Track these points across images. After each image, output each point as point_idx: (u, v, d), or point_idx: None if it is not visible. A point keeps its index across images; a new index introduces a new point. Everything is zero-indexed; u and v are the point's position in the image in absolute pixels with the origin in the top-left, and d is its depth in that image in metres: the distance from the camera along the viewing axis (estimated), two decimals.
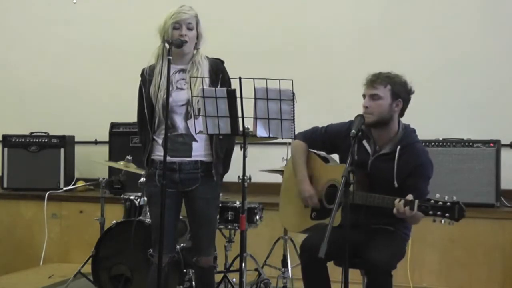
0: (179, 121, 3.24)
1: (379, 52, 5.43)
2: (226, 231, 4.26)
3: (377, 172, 3.21)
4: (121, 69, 5.82)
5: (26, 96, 6.42)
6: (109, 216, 4.57)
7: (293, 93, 2.93)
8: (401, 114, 3.27)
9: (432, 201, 2.90)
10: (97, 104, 6.14)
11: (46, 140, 5.91)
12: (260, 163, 4.33)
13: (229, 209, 4.07)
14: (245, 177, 3.18)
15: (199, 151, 3.25)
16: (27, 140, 5.91)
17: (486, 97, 5.26)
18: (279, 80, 2.88)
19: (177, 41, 3.14)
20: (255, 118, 3.00)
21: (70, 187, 5.71)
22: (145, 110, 3.28)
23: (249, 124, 3.07)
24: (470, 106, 5.29)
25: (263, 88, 2.94)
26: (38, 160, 5.86)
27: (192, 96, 3.11)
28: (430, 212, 2.90)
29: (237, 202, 4.08)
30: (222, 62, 3.34)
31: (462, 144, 4.81)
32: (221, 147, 3.28)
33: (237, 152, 3.33)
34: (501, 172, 4.75)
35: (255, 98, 2.96)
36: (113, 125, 5.73)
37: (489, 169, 4.70)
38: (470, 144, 4.78)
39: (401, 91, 3.20)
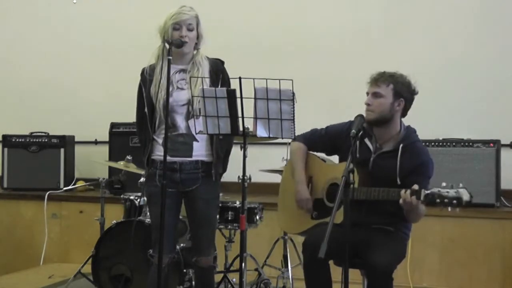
0: (180, 121, 3.24)
1: (379, 52, 5.43)
2: (226, 231, 4.26)
3: (379, 170, 3.22)
4: (121, 69, 5.81)
5: (26, 96, 6.42)
6: (109, 216, 4.57)
7: (293, 93, 2.93)
8: (404, 114, 3.28)
9: (438, 189, 2.89)
10: (97, 104, 6.14)
11: (46, 140, 5.91)
12: (260, 163, 4.33)
13: (229, 209, 4.07)
14: (245, 177, 3.18)
15: (200, 151, 3.25)
16: (27, 140, 5.91)
17: (486, 97, 5.26)
18: (279, 80, 2.88)
19: (177, 41, 3.14)
20: (255, 118, 3.00)
21: (70, 187, 5.70)
22: (145, 110, 3.28)
23: (249, 124, 3.07)
24: (470, 106, 5.29)
25: (263, 88, 2.94)
26: (38, 160, 5.86)
27: (192, 96, 3.11)
28: (437, 201, 2.87)
29: (237, 202, 4.08)
30: (222, 62, 3.34)
31: (462, 144, 4.81)
32: (221, 147, 3.28)
33: (237, 152, 3.33)
34: (501, 172, 4.75)
35: (255, 98, 2.97)
36: (113, 125, 5.73)
37: (489, 169, 4.70)
38: (470, 144, 4.78)
39: (403, 91, 3.22)
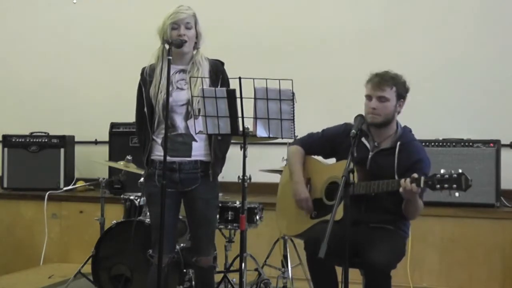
0: (179, 121, 3.24)
1: (379, 52, 5.42)
2: (226, 231, 4.26)
3: (377, 168, 3.23)
4: (121, 69, 5.82)
5: (26, 96, 6.42)
6: (109, 216, 4.57)
7: (293, 93, 2.93)
8: (398, 112, 3.31)
9: (438, 175, 2.90)
10: (97, 104, 6.14)
11: (46, 140, 5.91)
12: (260, 163, 4.33)
13: (229, 209, 4.07)
14: (245, 177, 3.18)
15: (199, 151, 3.26)
16: (27, 140, 5.91)
17: (486, 97, 5.26)
18: (279, 80, 2.88)
19: (177, 41, 3.14)
20: (255, 118, 3.00)
21: (70, 187, 5.70)
22: (145, 110, 3.28)
23: (249, 124, 3.07)
24: (470, 106, 5.29)
25: (263, 88, 2.94)
26: (38, 160, 5.86)
27: (192, 96, 3.11)
28: (437, 186, 2.89)
29: (237, 202, 4.08)
30: (222, 63, 3.35)
31: (462, 144, 4.80)
32: (220, 148, 3.28)
33: (237, 152, 3.33)
34: (501, 172, 4.74)
35: (255, 98, 2.97)
36: (113, 125, 5.73)
37: (489, 169, 4.70)
38: (470, 144, 4.78)
39: (403, 91, 3.26)
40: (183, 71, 3.27)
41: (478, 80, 5.30)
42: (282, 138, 3.06)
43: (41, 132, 5.97)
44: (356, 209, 3.02)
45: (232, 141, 3.42)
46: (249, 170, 3.27)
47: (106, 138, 5.77)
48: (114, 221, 4.14)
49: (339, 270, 3.05)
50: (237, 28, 5.79)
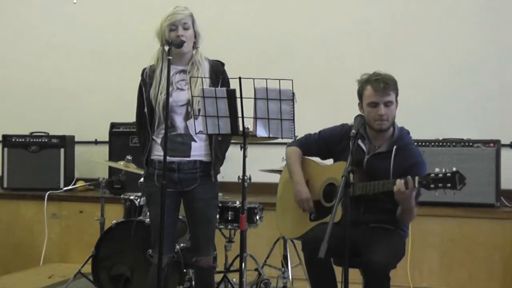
0: (179, 121, 3.24)
1: (379, 53, 5.43)
2: (226, 231, 4.26)
3: (373, 170, 3.22)
4: (121, 69, 5.82)
5: (26, 96, 6.42)
6: (109, 216, 4.57)
7: (293, 93, 2.93)
8: None
9: (432, 174, 2.90)
10: (97, 104, 6.14)
11: (46, 140, 5.91)
12: (260, 163, 4.33)
13: (229, 209, 4.07)
14: (245, 177, 3.18)
15: (198, 151, 3.26)
16: (27, 140, 5.91)
17: (486, 97, 5.27)
18: (279, 80, 2.88)
19: (176, 40, 3.15)
20: (255, 118, 3.00)
21: (70, 187, 5.71)
22: (145, 110, 3.28)
23: (249, 124, 3.07)
24: (470, 106, 5.29)
25: (263, 88, 2.94)
26: (38, 160, 5.86)
27: (192, 96, 3.11)
28: (432, 186, 2.89)
29: (237, 202, 4.08)
30: (223, 64, 3.35)
31: (462, 144, 4.80)
32: (220, 148, 3.29)
33: (237, 152, 3.33)
34: (501, 172, 4.75)
35: (255, 98, 2.97)
36: (113, 125, 5.73)
37: (489, 169, 4.70)
38: (470, 144, 4.78)
39: (398, 92, 3.24)
40: (183, 71, 3.27)
41: (478, 80, 5.30)
42: (282, 138, 3.06)
43: (41, 132, 5.97)
44: (355, 210, 3.01)
45: (232, 141, 3.42)
46: (249, 170, 3.27)
47: (106, 138, 5.77)
48: (114, 221, 4.14)
49: (338, 270, 3.05)
50: (237, 28, 5.79)
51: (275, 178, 4.08)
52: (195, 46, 3.28)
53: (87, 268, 4.23)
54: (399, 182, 2.96)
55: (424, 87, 5.03)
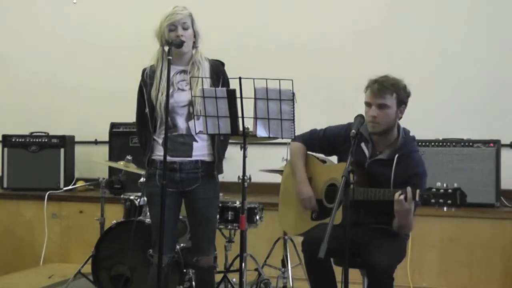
0: (180, 122, 3.24)
1: (379, 53, 5.43)
2: (226, 231, 4.26)
3: (373, 176, 3.20)
4: (121, 69, 5.81)
5: (26, 96, 6.41)
6: (109, 216, 4.57)
7: (293, 93, 2.93)
8: (400, 117, 3.26)
9: (434, 189, 2.89)
10: (97, 104, 6.14)
11: (46, 140, 5.91)
12: (260, 163, 4.33)
13: (229, 209, 4.08)
14: (245, 177, 3.18)
15: (200, 151, 3.26)
16: (27, 140, 5.91)
17: (486, 97, 5.27)
18: (279, 80, 2.88)
19: (176, 40, 3.14)
20: (255, 118, 3.00)
21: (70, 187, 5.71)
22: (146, 111, 3.27)
23: (249, 124, 3.07)
24: (470, 106, 5.29)
25: (263, 88, 2.94)
26: (38, 160, 5.86)
27: (193, 96, 3.11)
28: (432, 201, 2.87)
29: (237, 202, 4.08)
30: (223, 64, 3.35)
31: (462, 144, 4.80)
32: (222, 148, 3.29)
33: (237, 152, 3.33)
34: (501, 172, 4.74)
35: (255, 98, 2.97)
36: (113, 125, 5.73)
37: (489, 169, 4.70)
38: (470, 144, 4.78)
39: (404, 97, 3.18)
40: (184, 72, 3.27)
41: (478, 80, 5.30)
42: (282, 138, 3.06)
43: (41, 132, 5.97)
44: (355, 212, 3.01)
45: (232, 141, 3.42)
46: (249, 170, 3.27)
47: (106, 138, 5.77)
48: (114, 221, 4.15)
49: (338, 270, 3.05)
50: (237, 28, 5.79)
51: (275, 178, 4.08)
52: (194, 45, 3.28)
53: (87, 268, 4.23)
54: (400, 194, 2.95)
55: (424, 87, 5.02)
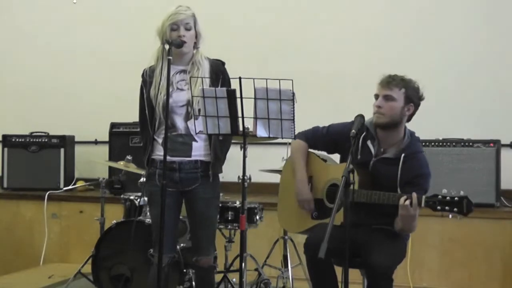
0: (179, 122, 3.24)
1: (379, 53, 5.43)
2: (226, 231, 4.26)
3: (378, 175, 3.20)
4: (121, 69, 5.82)
5: (26, 96, 6.42)
6: (109, 216, 4.57)
7: (293, 93, 2.93)
8: (409, 119, 3.26)
9: (440, 196, 2.90)
10: (97, 104, 6.14)
11: (46, 140, 5.91)
12: (260, 163, 4.33)
13: (229, 209, 4.08)
14: (245, 177, 3.18)
15: (199, 151, 3.26)
16: (27, 140, 5.91)
17: (486, 97, 5.27)
18: (279, 80, 2.88)
19: (176, 41, 3.14)
20: (255, 118, 3.00)
21: (70, 187, 5.71)
22: (146, 111, 3.27)
23: (249, 124, 3.07)
24: (470, 106, 5.29)
25: (263, 88, 2.94)
26: (38, 160, 5.86)
27: (192, 96, 3.11)
28: (438, 207, 2.89)
29: (237, 202, 4.09)
30: (223, 63, 3.34)
31: (462, 144, 4.81)
32: (221, 148, 3.28)
33: (237, 152, 3.33)
34: (501, 172, 4.75)
35: (255, 98, 2.96)
36: (113, 125, 5.73)
37: (489, 169, 4.70)
38: (470, 144, 4.78)
39: (414, 96, 3.21)
40: (184, 71, 3.27)
41: (478, 80, 5.30)
42: (282, 138, 3.05)
43: (41, 132, 5.97)
44: (356, 213, 3.01)
45: (232, 141, 3.42)
46: (249, 170, 3.27)
47: (106, 138, 5.77)
48: (114, 221, 4.14)
49: (338, 270, 3.04)
50: (237, 28, 5.79)
51: (275, 178, 4.08)
52: (195, 46, 3.28)
53: (87, 268, 4.23)
54: (405, 200, 2.95)
55: (424, 87, 4.99)
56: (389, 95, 3.16)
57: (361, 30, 5.57)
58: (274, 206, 3.76)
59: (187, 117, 3.23)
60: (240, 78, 2.90)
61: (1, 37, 6.54)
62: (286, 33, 5.70)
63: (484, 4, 5.36)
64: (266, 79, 2.89)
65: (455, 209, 2.87)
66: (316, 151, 3.53)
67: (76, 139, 6.11)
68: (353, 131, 2.94)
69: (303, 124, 3.38)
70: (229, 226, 4.12)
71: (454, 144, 4.81)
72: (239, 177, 3.28)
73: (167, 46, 3.10)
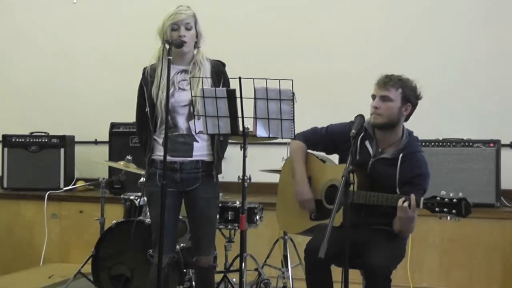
0: (181, 122, 3.24)
1: (379, 53, 5.43)
2: (226, 231, 4.26)
3: (377, 175, 3.20)
4: (121, 69, 5.82)
5: (26, 96, 6.42)
6: (109, 216, 4.58)
7: (293, 93, 2.93)
8: (407, 119, 3.26)
9: (438, 198, 2.90)
10: (97, 104, 6.14)
11: (46, 140, 5.91)
12: (260, 163, 4.33)
13: (229, 209, 4.08)
14: (245, 177, 3.18)
15: (200, 151, 3.26)
16: (27, 140, 5.91)
17: (486, 97, 5.27)
18: (279, 80, 2.88)
19: (177, 41, 3.14)
20: (255, 118, 3.00)
21: (70, 187, 5.71)
22: (147, 110, 3.27)
23: (249, 124, 3.07)
24: (470, 106, 5.29)
25: (263, 88, 2.94)
26: (38, 160, 5.86)
27: (194, 96, 3.11)
28: (437, 209, 2.89)
29: (237, 202, 4.09)
30: (224, 64, 3.34)
31: (462, 144, 4.81)
32: (222, 148, 3.29)
33: (237, 152, 3.33)
34: (501, 172, 4.75)
35: (255, 98, 2.96)
36: (113, 125, 5.73)
37: (489, 169, 4.71)
38: (470, 144, 4.78)
39: (411, 96, 3.20)
40: (185, 71, 3.27)
41: (478, 80, 5.30)
42: (282, 138, 3.05)
43: (41, 132, 5.97)
44: (355, 214, 3.00)
45: (232, 141, 3.42)
46: (249, 170, 3.27)
47: (106, 138, 5.77)
48: (114, 221, 4.15)
49: (338, 270, 3.04)
50: (237, 28, 5.79)
51: (275, 178, 4.07)
52: (196, 46, 3.28)
53: (87, 268, 4.23)
54: (403, 201, 2.95)
55: (424, 87, 4.99)
56: (386, 96, 3.16)
57: (361, 30, 5.57)
58: (274, 206, 3.75)
59: (189, 117, 3.23)
60: (240, 78, 2.90)
61: (1, 37, 6.54)
62: (286, 33, 5.70)
63: (484, 4, 5.35)
64: (266, 79, 2.89)
65: (454, 211, 2.87)
66: (315, 152, 3.52)
67: (76, 139, 6.11)
68: (353, 131, 2.94)
69: (303, 124, 3.37)
70: (229, 226, 4.12)
71: (454, 144, 4.81)
72: (239, 177, 3.28)
73: (167, 46, 3.11)
